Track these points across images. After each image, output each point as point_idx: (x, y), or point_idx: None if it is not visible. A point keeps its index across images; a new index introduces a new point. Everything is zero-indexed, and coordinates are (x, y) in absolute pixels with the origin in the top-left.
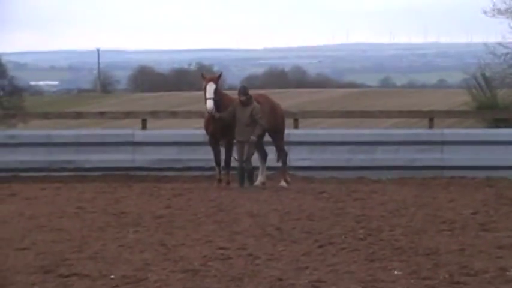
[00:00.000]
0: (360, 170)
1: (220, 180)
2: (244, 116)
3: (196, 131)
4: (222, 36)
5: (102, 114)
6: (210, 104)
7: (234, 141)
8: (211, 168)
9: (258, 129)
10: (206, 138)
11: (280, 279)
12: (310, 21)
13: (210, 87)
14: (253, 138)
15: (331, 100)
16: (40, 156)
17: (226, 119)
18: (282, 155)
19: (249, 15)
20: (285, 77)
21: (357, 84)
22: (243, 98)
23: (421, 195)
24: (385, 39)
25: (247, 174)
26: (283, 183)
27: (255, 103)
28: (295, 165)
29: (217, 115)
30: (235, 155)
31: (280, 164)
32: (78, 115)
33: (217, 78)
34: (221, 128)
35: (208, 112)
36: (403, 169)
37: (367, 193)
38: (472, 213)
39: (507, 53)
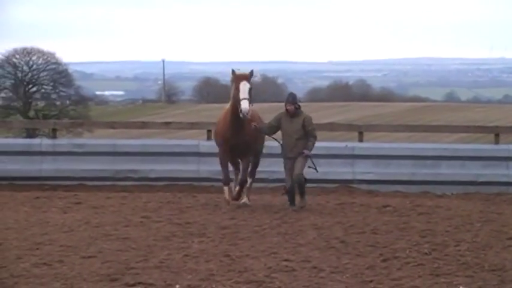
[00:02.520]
0: (424, 185)
1: (229, 202)
2: (294, 128)
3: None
4: (287, 49)
5: (167, 124)
6: (245, 104)
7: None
8: (274, 180)
9: (311, 142)
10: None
11: None
12: (375, 35)
13: (244, 87)
14: (307, 152)
15: (395, 114)
16: (106, 165)
17: (263, 131)
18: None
19: (314, 28)
20: (349, 90)
21: (421, 99)
22: (291, 107)
23: (487, 210)
24: (450, 53)
25: (299, 188)
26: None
27: (304, 113)
28: (360, 179)
29: (253, 124)
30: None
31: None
32: (144, 125)
33: (250, 76)
34: (246, 142)
35: (243, 114)
36: (468, 184)
37: (431, 208)
38: None
39: None
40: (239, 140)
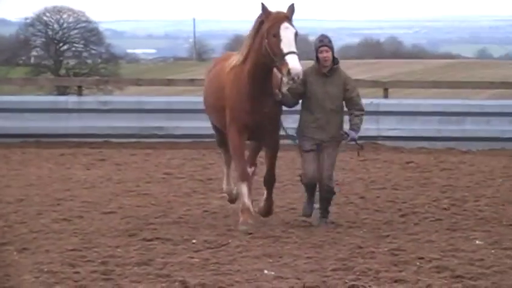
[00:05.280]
0: (449, 141)
1: (251, 215)
2: (329, 92)
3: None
4: (317, 7)
5: (192, 81)
6: (295, 62)
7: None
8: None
9: (359, 119)
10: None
11: (360, 247)
12: None
13: (288, 32)
14: (353, 135)
15: (427, 71)
16: (131, 123)
17: (289, 104)
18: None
19: None
20: (380, 47)
21: (453, 55)
22: (327, 54)
23: (510, 166)
24: (482, 10)
25: (324, 198)
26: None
27: (343, 71)
28: (385, 135)
29: (278, 95)
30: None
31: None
32: (169, 82)
33: (291, 15)
34: (271, 117)
35: (292, 79)
36: (494, 140)
37: (455, 164)
38: None
39: None
40: (264, 116)
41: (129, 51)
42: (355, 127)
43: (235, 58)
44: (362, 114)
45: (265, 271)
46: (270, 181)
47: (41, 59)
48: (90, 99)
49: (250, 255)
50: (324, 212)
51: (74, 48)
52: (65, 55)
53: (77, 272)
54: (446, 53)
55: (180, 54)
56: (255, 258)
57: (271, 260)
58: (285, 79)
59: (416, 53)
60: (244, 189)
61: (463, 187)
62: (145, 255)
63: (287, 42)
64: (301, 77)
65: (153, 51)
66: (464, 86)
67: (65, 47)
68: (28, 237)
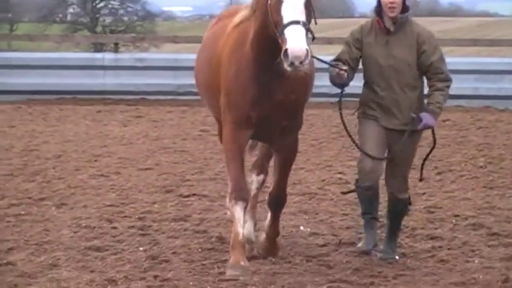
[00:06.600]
0: (486, 99)
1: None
2: (395, 58)
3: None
4: None
5: None
6: (297, 39)
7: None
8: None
9: (442, 94)
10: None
11: None
12: None
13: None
14: (428, 120)
15: (463, 29)
16: (168, 80)
17: (344, 81)
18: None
19: None
20: (416, 6)
21: (490, 14)
22: (392, 8)
23: None
24: None
25: (393, 214)
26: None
27: (416, 23)
28: None
29: (303, 65)
30: None
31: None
32: None
33: None
34: (288, 108)
35: (291, 64)
36: None
37: (491, 122)
38: None
39: None
40: (276, 106)
41: (165, 8)
42: (433, 107)
43: (243, 14)
44: (447, 87)
45: (301, 227)
46: (277, 201)
47: (78, 17)
48: (126, 57)
49: (287, 211)
50: (392, 237)
51: (110, 6)
52: (101, 12)
53: (115, 228)
54: (484, 11)
55: (216, 12)
56: (291, 215)
57: (307, 217)
58: (286, 65)
59: (454, 12)
60: (238, 212)
61: (499, 145)
62: (182, 211)
63: (290, 6)
64: (305, 62)
65: (189, 8)
66: (502, 44)
67: (101, 4)
68: (66, 193)
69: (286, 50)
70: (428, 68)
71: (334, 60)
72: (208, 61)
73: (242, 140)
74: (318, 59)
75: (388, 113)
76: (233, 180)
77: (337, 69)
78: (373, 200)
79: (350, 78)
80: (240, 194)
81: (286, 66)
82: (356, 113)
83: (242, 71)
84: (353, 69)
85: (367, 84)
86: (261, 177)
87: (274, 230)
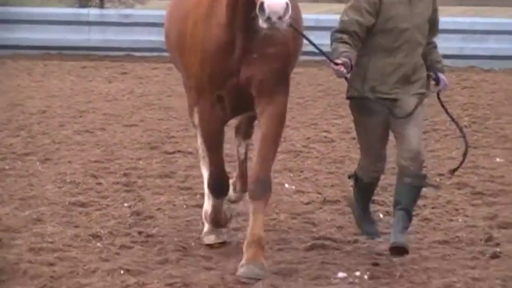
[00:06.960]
0: (471, 59)
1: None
2: (418, 16)
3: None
4: None
5: None
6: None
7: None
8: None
9: (438, 53)
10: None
11: None
12: None
13: None
14: (444, 81)
15: None
16: (153, 36)
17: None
18: None
19: None
20: None
21: None
22: None
23: None
24: None
25: (408, 194)
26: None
27: None
28: None
29: (282, 22)
30: None
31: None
32: None
33: None
34: (267, 67)
35: (267, 20)
36: None
37: (476, 82)
38: None
39: None
40: (255, 70)
41: None
42: (442, 66)
43: None
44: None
45: (286, 185)
46: (260, 188)
47: None
48: (112, 12)
49: (272, 169)
50: (405, 217)
51: None
52: None
53: (100, 183)
54: None
55: None
56: (276, 172)
57: (291, 175)
58: (261, 21)
59: None
60: (212, 207)
61: (484, 105)
62: (166, 167)
63: None
64: (284, 18)
65: None
66: (488, 4)
67: None
68: (51, 148)
69: (262, 3)
70: (433, 24)
71: (337, 31)
72: (178, 20)
73: (219, 120)
74: (311, 43)
75: (405, 81)
76: (213, 171)
77: (334, 67)
78: (370, 190)
79: (352, 67)
80: (219, 188)
81: (261, 22)
82: (356, 92)
83: (206, 32)
84: (359, 44)
85: (380, 52)
86: (248, 141)
87: (256, 231)
